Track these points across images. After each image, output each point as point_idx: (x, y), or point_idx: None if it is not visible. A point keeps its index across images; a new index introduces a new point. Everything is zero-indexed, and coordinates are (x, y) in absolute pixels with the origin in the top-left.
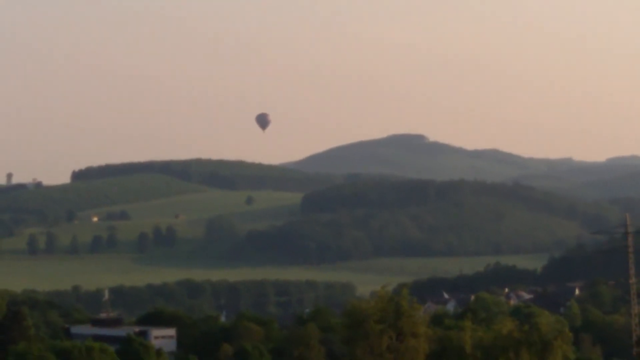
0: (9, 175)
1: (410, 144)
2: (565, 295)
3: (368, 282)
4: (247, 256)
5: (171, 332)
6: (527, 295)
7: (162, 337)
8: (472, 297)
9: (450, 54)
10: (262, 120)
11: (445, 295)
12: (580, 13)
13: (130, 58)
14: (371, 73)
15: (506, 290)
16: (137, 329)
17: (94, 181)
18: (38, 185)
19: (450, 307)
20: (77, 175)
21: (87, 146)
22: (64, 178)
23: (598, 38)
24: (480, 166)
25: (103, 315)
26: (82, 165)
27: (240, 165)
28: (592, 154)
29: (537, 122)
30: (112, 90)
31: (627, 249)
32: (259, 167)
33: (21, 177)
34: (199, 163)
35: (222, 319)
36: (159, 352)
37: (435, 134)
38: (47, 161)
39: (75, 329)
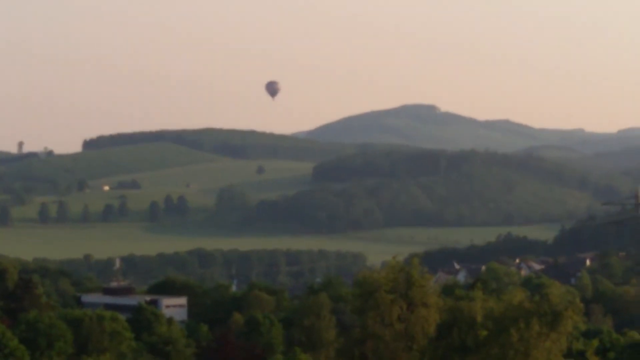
0: (20, 144)
1: (421, 114)
2: (576, 266)
3: (379, 252)
4: (258, 226)
5: (182, 301)
6: (538, 266)
7: (173, 306)
8: (483, 268)
9: (462, 24)
10: (272, 89)
11: (456, 266)
12: None
13: (143, 27)
14: (383, 43)
15: (517, 260)
16: (148, 297)
17: (106, 150)
18: (49, 153)
19: (461, 277)
20: (89, 144)
21: (99, 115)
22: (76, 147)
23: (611, 9)
24: (491, 137)
25: (114, 284)
26: (93, 134)
27: (251, 134)
28: (603, 125)
29: (549, 93)
30: (124, 59)
31: (638, 220)
32: (271, 136)
33: (32, 146)
34: (210, 132)
35: (233, 288)
36: (170, 320)
37: (447, 104)
38: (59, 130)
39: (87, 298)
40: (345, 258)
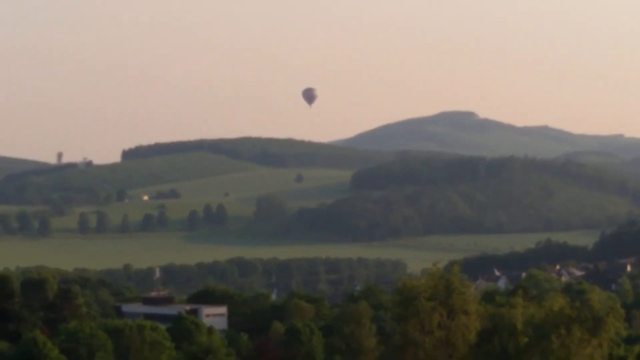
0: (60, 155)
1: (460, 121)
2: (616, 271)
3: (418, 259)
4: (297, 234)
5: (222, 310)
6: (578, 272)
7: (213, 315)
8: (523, 274)
9: (501, 31)
10: (309, 95)
11: (497, 272)
12: None
13: (182, 38)
14: (421, 50)
15: (557, 267)
16: (188, 307)
17: (144, 160)
18: (88, 164)
19: (502, 284)
20: (127, 154)
21: (137, 125)
22: (114, 157)
23: None
24: (530, 143)
25: (154, 293)
26: (132, 144)
27: (289, 143)
28: None
29: (588, 98)
30: (163, 70)
31: None
32: (309, 145)
33: (71, 156)
34: (248, 141)
35: (273, 297)
36: (210, 330)
37: (485, 111)
38: (98, 140)
39: (127, 308)
40: (384, 266)
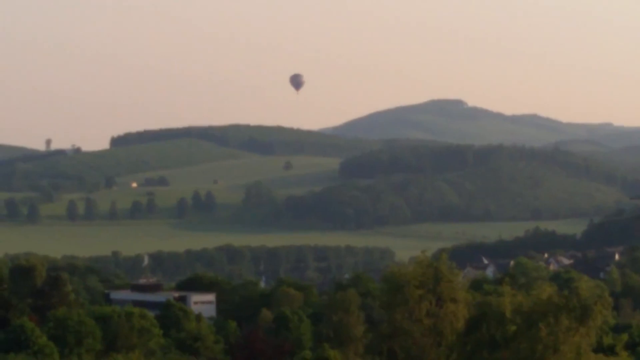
0: (48, 141)
1: (448, 109)
2: (604, 260)
3: (407, 247)
4: (285, 222)
5: (210, 297)
6: (566, 261)
7: (202, 303)
8: (512, 263)
9: (489, 19)
10: (296, 81)
11: (485, 261)
12: None
13: (169, 24)
14: (409, 38)
15: (545, 255)
16: (176, 294)
17: (133, 147)
18: (77, 151)
19: (490, 272)
20: (116, 141)
21: (126, 112)
22: (103, 144)
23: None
24: (519, 131)
25: (142, 280)
26: (120, 131)
27: (278, 130)
28: (631, 119)
29: (577, 87)
30: (151, 57)
31: None
32: (297, 132)
33: (60, 143)
34: (237, 128)
35: (262, 284)
36: (198, 317)
37: (474, 99)
38: (86, 127)
39: (115, 295)
40: (372, 254)
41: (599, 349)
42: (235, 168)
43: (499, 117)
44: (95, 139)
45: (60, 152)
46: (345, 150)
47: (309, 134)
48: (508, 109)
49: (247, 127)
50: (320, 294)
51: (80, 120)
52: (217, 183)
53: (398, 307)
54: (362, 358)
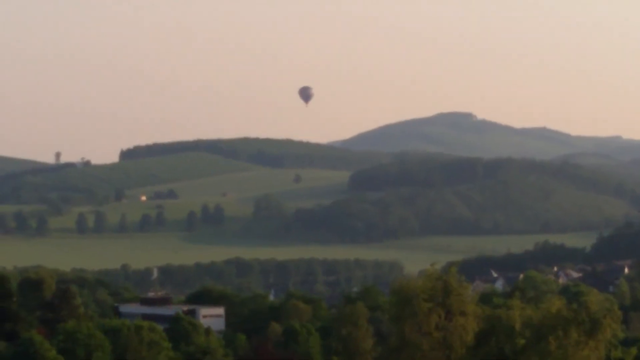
0: (58, 154)
1: (458, 122)
2: (614, 273)
3: (416, 260)
4: (295, 235)
5: (220, 310)
6: (575, 274)
7: (211, 316)
8: (521, 276)
9: (499, 32)
10: (305, 94)
11: (494, 274)
12: None
13: (179, 38)
14: (419, 51)
15: (555, 268)
16: (185, 307)
17: (142, 160)
18: (86, 164)
19: (499, 285)
20: (125, 154)
21: (135, 125)
22: (113, 157)
23: None
24: (528, 144)
25: (152, 294)
26: (130, 144)
27: (287, 143)
28: None
29: (586, 100)
30: (160, 70)
31: None
32: (307, 145)
33: (70, 156)
34: (246, 141)
35: (271, 297)
36: (207, 330)
37: (483, 112)
38: (96, 140)
39: (124, 308)
40: (382, 267)
41: None
42: (245, 181)
43: (508, 130)
44: (104, 152)
45: (69, 165)
46: (355, 163)
47: (319, 147)
48: (517, 122)
49: (257, 140)
50: (329, 307)
51: (89, 133)
52: (226, 196)
53: (407, 321)
54: None
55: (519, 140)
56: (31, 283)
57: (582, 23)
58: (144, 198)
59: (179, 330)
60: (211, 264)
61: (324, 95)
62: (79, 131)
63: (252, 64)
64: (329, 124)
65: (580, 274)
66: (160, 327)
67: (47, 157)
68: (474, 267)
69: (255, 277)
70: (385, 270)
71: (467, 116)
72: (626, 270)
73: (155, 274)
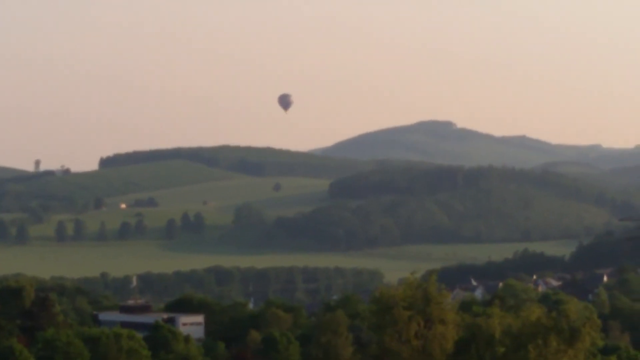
0: (37, 162)
1: (438, 131)
2: (593, 282)
3: (396, 268)
4: (275, 243)
5: (199, 318)
6: (555, 282)
7: (190, 324)
8: (500, 284)
9: (478, 41)
10: (285, 101)
11: (474, 282)
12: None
13: (159, 44)
14: (399, 59)
15: (534, 277)
16: (165, 315)
17: (122, 168)
18: (66, 172)
19: (479, 294)
20: (105, 162)
21: (115, 133)
22: (92, 165)
23: (626, 26)
24: (508, 153)
25: (131, 302)
26: (109, 152)
27: (268, 151)
28: (621, 141)
29: (566, 108)
30: (140, 77)
31: None
32: (287, 153)
33: (49, 164)
34: (227, 150)
35: (250, 305)
36: (187, 338)
37: (464, 121)
38: (75, 148)
39: (104, 316)
40: (362, 275)
41: None
42: (225, 189)
43: (488, 138)
44: (84, 160)
45: (49, 173)
46: (335, 171)
47: (299, 155)
48: (497, 131)
49: (237, 148)
50: (309, 315)
51: (69, 141)
52: (207, 204)
53: (387, 329)
54: None
55: (499, 148)
56: (11, 291)
57: (562, 32)
58: (123, 206)
59: (159, 339)
60: (191, 272)
61: (305, 104)
62: (58, 139)
63: (233, 72)
64: (310, 132)
65: (559, 283)
66: (139, 335)
67: (26, 165)
68: (454, 276)
69: (235, 285)
70: (366, 278)
71: (448, 125)
72: (605, 278)
73: (134, 282)
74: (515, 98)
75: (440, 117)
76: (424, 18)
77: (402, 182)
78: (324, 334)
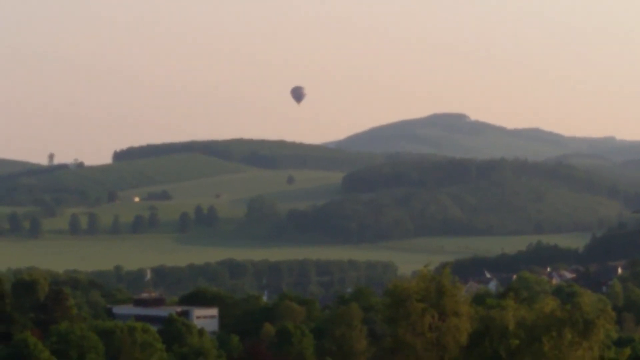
0: (51, 156)
1: (451, 123)
2: (607, 274)
3: (409, 261)
4: (288, 236)
5: (213, 311)
6: (569, 275)
7: (204, 317)
8: (514, 277)
9: (492, 34)
10: (297, 94)
11: (487, 275)
12: None
13: (172, 39)
14: (412, 52)
15: (548, 269)
16: (179, 308)
17: (136, 161)
18: (80, 165)
19: (492, 286)
20: (119, 156)
21: (129, 126)
22: (106, 158)
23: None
24: (521, 145)
25: (145, 295)
26: (123, 145)
27: (281, 144)
28: (634, 133)
29: (579, 101)
30: (154, 71)
31: None
32: (300, 146)
33: (63, 158)
34: (239, 143)
35: (264, 298)
36: (201, 331)
37: (477, 113)
38: (89, 141)
39: (118, 309)
40: (375, 268)
41: None
42: (238, 182)
43: (501, 131)
44: (97, 154)
45: (62, 167)
46: (348, 164)
47: (312, 148)
48: (510, 123)
49: (250, 142)
50: (323, 308)
51: (82, 134)
52: (220, 197)
53: (401, 321)
54: None
55: (512, 141)
56: (25, 285)
57: (575, 25)
58: (137, 199)
59: (173, 332)
60: (204, 265)
61: (318, 96)
62: (72, 132)
63: (245, 65)
64: (323, 125)
65: (573, 275)
66: (153, 329)
67: (40, 159)
68: (468, 268)
69: (248, 278)
70: (379, 271)
71: (461, 117)
72: (619, 270)
73: (148, 275)
74: (528, 90)
75: (453, 109)
76: (436, 11)
77: (415, 175)
78: (338, 327)
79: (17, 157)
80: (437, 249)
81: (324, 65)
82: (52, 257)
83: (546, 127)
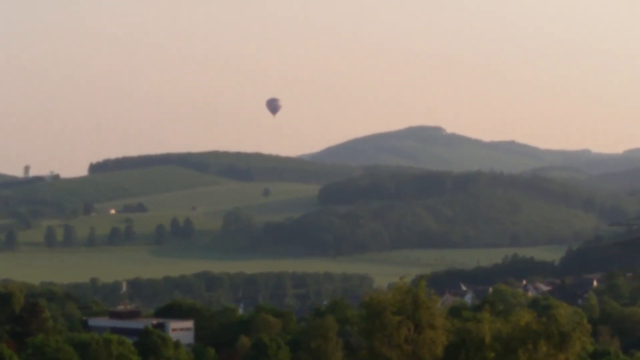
0: (27, 168)
1: (427, 136)
2: (583, 287)
3: (385, 273)
4: (264, 248)
5: (189, 324)
6: (544, 287)
7: (180, 329)
8: (490, 289)
9: (468, 46)
10: (273, 106)
11: (463, 287)
12: (601, 5)
13: (148, 50)
14: (389, 64)
15: (524, 282)
16: (154, 321)
17: (112, 173)
18: (55, 177)
19: (468, 299)
20: (95, 168)
21: (105, 139)
22: (82, 170)
23: (615, 31)
24: (497, 158)
25: (121, 307)
26: (99, 157)
27: (257, 157)
28: (609, 146)
29: (555, 114)
30: (129, 83)
31: None
32: (276, 159)
33: (39, 170)
34: (216, 155)
35: (240, 311)
36: (176, 344)
37: (453, 126)
38: (65, 153)
39: (93, 321)
40: (351, 280)
41: None
42: (214, 195)
43: (477, 143)
44: (73, 166)
45: (38, 179)
46: (324, 176)
47: (288, 160)
48: (486, 136)
49: (226, 154)
50: (299, 320)
51: (58, 146)
52: (196, 209)
53: (376, 334)
54: None
55: (488, 153)
56: (0, 297)
57: (551, 37)
58: (113, 211)
59: (148, 344)
60: (180, 277)
61: (294, 109)
62: (48, 144)
63: (221, 77)
64: (299, 137)
65: (549, 287)
66: (129, 341)
67: (16, 171)
68: (444, 281)
69: (224, 290)
70: (355, 283)
71: (437, 130)
72: (595, 283)
73: (124, 287)
74: (504, 103)
75: (430, 122)
76: (413, 23)
77: (391, 188)
78: (314, 339)
79: None
80: (414, 261)
81: (301, 77)
82: (28, 269)
83: (522, 139)
